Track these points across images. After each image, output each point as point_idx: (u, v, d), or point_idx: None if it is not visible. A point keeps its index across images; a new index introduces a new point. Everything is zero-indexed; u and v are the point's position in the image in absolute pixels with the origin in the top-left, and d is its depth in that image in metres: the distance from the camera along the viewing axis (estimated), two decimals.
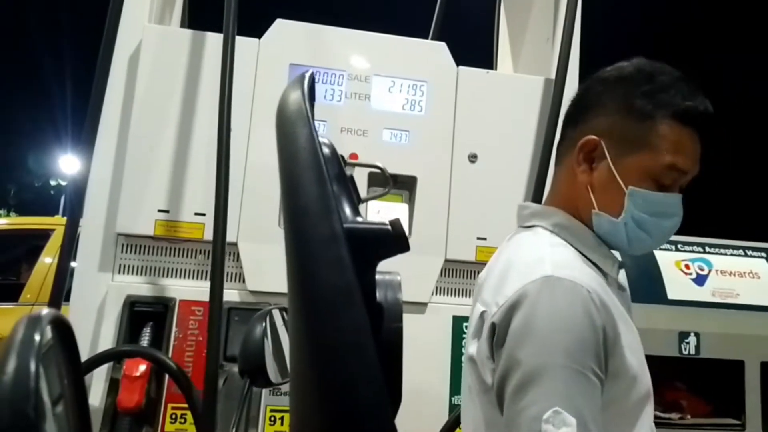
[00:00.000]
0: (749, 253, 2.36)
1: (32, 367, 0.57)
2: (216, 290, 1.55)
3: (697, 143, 1.05)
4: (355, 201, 0.74)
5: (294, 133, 0.67)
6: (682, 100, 1.03)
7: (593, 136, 1.05)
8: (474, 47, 2.54)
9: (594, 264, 1.05)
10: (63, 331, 0.73)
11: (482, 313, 1.00)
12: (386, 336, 0.67)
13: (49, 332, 0.68)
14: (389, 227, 0.67)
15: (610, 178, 1.04)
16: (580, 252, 1.05)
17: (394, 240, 0.67)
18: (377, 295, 0.69)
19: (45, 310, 0.71)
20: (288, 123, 0.69)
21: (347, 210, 0.69)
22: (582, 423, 0.84)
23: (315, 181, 0.64)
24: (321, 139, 0.69)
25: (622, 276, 1.14)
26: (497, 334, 0.95)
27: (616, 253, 1.13)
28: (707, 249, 2.31)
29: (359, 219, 0.69)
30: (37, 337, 0.63)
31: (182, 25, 2.17)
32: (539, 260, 0.98)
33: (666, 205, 1.05)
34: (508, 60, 2.40)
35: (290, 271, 0.69)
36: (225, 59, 1.64)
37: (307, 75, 0.74)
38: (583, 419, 0.84)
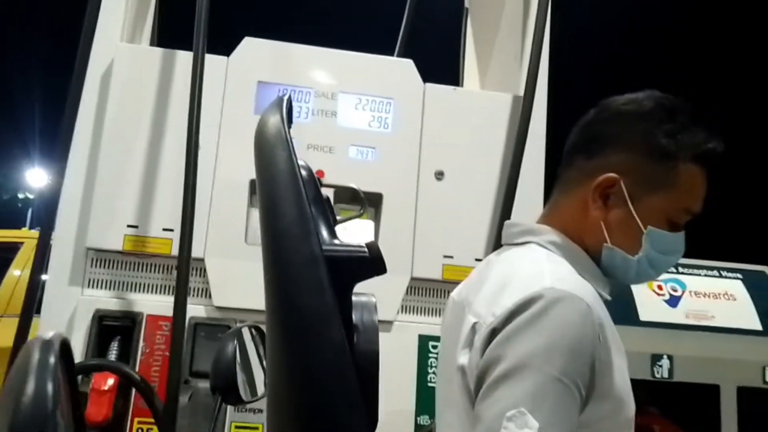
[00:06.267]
0: (724, 274, 2.34)
1: (50, 390, 0.61)
2: (179, 304, 1.56)
3: (706, 183, 1.08)
4: (332, 223, 0.74)
5: (273, 156, 0.68)
6: (704, 141, 1.06)
7: (613, 174, 1.06)
8: (440, 64, 2.55)
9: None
10: (66, 352, 0.74)
11: (474, 324, 1.00)
12: (362, 357, 0.66)
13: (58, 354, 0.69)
14: (366, 250, 0.68)
15: (627, 216, 1.06)
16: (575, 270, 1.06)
17: (371, 263, 0.67)
18: (353, 316, 0.69)
19: (51, 333, 0.74)
20: (267, 146, 0.70)
21: (325, 232, 0.69)
22: (546, 430, 0.83)
23: (294, 204, 0.64)
24: (299, 162, 0.70)
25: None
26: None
27: None
28: (681, 269, 2.29)
29: (336, 241, 0.69)
30: (52, 360, 0.64)
31: (152, 43, 2.20)
32: (539, 274, 0.99)
33: (677, 243, 1.09)
34: (475, 77, 2.40)
35: (269, 292, 0.68)
36: (194, 77, 1.67)
37: (285, 99, 0.76)
38: (548, 427, 0.83)
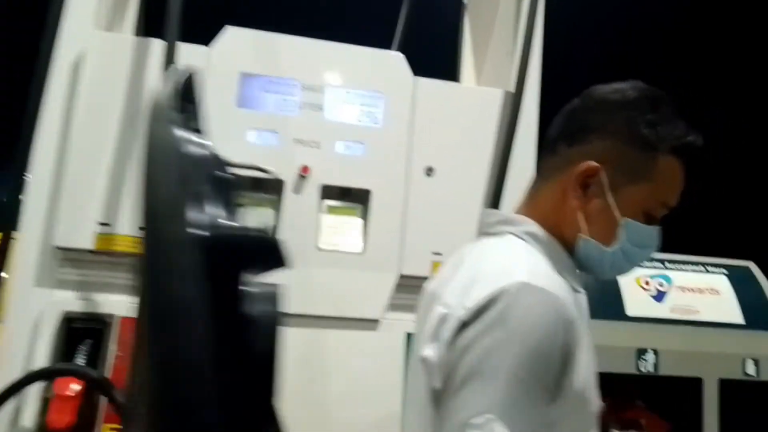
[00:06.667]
0: (709, 269, 2.35)
1: None
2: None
3: (684, 176, 1.07)
4: (231, 206, 0.69)
5: (154, 131, 0.63)
6: (684, 134, 1.04)
7: (594, 163, 1.04)
8: (439, 59, 2.50)
9: (561, 276, 1.04)
10: None
11: (444, 316, 0.96)
12: (254, 353, 0.62)
13: None
14: (258, 235, 0.63)
15: (605, 206, 1.04)
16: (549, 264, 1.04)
17: (262, 249, 0.62)
18: (246, 308, 0.64)
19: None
20: (151, 121, 0.64)
21: (215, 214, 0.63)
22: None
23: (167, 182, 0.58)
24: (197, 139, 0.64)
25: (584, 298, 1.13)
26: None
27: None
28: (668, 265, 2.30)
29: (227, 224, 0.63)
30: None
31: (138, 33, 2.10)
32: (513, 266, 0.96)
33: (652, 237, 1.07)
34: (472, 73, 2.37)
35: (139, 276, 0.63)
36: (167, 65, 1.59)
37: (184, 70, 0.71)
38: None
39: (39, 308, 1.66)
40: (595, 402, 0.99)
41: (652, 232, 1.06)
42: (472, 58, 2.38)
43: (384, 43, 2.24)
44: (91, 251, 1.70)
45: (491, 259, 1.03)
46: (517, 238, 1.06)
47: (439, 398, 0.92)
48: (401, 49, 2.41)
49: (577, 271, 1.09)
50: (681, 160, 1.05)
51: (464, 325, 0.91)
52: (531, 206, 1.12)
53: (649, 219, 1.05)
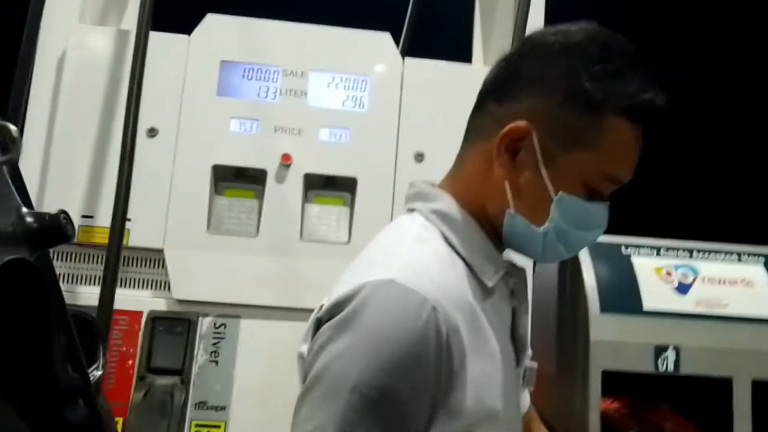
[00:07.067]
0: (744, 258, 2.14)
1: None
2: (106, 296, 1.49)
3: (641, 144, 0.86)
4: None
5: None
6: (639, 90, 0.82)
7: (523, 123, 0.83)
8: (455, 42, 2.41)
9: (470, 267, 0.87)
10: None
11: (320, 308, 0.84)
12: None
13: None
14: None
15: (536, 177, 0.84)
16: (455, 250, 0.87)
17: None
18: None
19: None
20: None
21: None
22: None
23: None
24: None
25: (521, 285, 0.95)
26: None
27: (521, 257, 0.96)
28: (695, 254, 2.10)
29: None
30: None
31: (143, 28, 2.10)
32: (390, 257, 0.82)
33: (595, 216, 0.88)
34: (480, 55, 2.26)
35: None
36: (136, 55, 1.57)
37: None
38: None
39: None
40: (504, 420, 0.82)
41: (596, 210, 0.87)
42: (481, 40, 2.27)
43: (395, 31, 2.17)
44: (74, 243, 1.70)
45: (378, 244, 0.88)
46: (421, 216, 0.90)
47: None
48: (413, 32, 2.32)
49: (501, 257, 0.92)
50: (634, 124, 0.83)
51: (319, 323, 0.79)
52: (455, 176, 0.95)
53: (592, 194, 0.85)
